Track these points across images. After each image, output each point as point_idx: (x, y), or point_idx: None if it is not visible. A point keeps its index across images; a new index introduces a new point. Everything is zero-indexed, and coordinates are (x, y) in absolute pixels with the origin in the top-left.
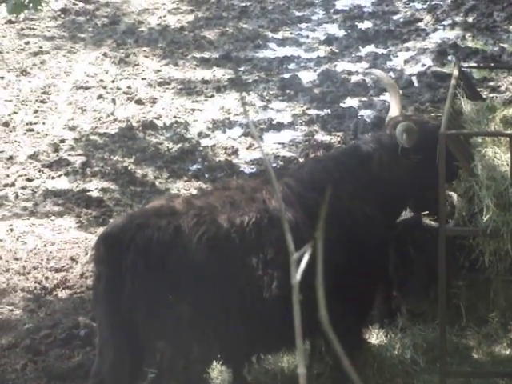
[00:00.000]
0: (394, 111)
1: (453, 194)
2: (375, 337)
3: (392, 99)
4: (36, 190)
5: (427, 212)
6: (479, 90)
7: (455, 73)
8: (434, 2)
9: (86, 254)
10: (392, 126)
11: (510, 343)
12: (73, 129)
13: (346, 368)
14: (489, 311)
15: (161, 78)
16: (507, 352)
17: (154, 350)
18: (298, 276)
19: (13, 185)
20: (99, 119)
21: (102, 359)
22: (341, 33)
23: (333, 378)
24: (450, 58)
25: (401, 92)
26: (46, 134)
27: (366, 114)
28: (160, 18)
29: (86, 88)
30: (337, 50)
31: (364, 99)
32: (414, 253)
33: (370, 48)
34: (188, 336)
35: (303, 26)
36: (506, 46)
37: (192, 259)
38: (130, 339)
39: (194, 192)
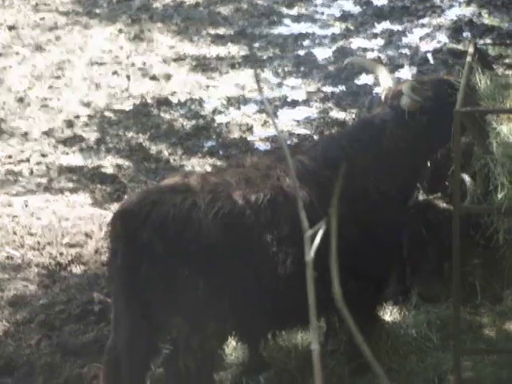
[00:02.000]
0: (387, 83)
1: (464, 175)
2: (389, 314)
3: (380, 75)
4: (50, 166)
5: (440, 193)
6: (495, 66)
7: (471, 50)
8: None
9: (101, 229)
10: (393, 96)
11: None
12: (87, 105)
13: (360, 344)
14: (503, 289)
15: (175, 54)
16: None
17: (170, 326)
18: (311, 253)
19: (27, 160)
20: (114, 95)
21: (116, 335)
22: (356, 9)
23: (347, 355)
24: (465, 34)
25: (416, 69)
26: (61, 110)
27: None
28: None
29: (101, 64)
30: (352, 27)
31: None
32: (426, 235)
33: (386, 25)
34: (204, 312)
35: (318, 2)
36: None
37: (207, 235)
38: (145, 315)
39: (209, 169)
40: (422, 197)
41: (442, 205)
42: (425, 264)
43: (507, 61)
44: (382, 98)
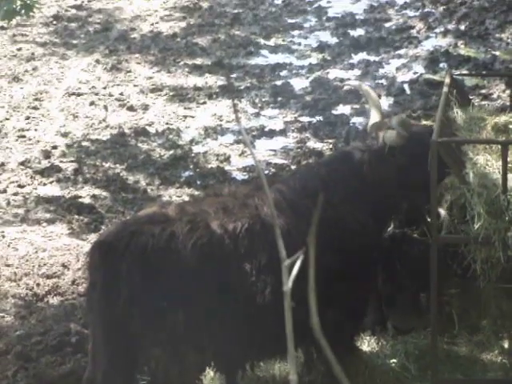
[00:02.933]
0: (375, 117)
1: (440, 209)
2: (367, 344)
3: (372, 106)
4: (27, 197)
5: (415, 226)
6: (471, 97)
7: (447, 80)
8: (426, 10)
9: (78, 260)
10: (376, 129)
11: (502, 351)
12: (65, 135)
13: (338, 375)
14: (480, 319)
15: (153, 85)
16: (498, 360)
17: (149, 357)
18: (289, 283)
19: (4, 191)
20: (91, 126)
21: (94, 367)
22: (333, 40)
23: None
24: (442, 65)
25: (392, 99)
26: (38, 141)
27: (358, 121)
28: (152, 24)
29: (78, 94)
30: (329, 58)
31: (356, 106)
32: (400, 268)
33: (363, 55)
34: (183, 343)
35: (295, 33)
36: (497, 53)
37: (187, 265)
38: (123, 347)
39: (186, 199)
40: (397, 230)
41: (417, 237)
42: (399, 297)
43: (483, 91)
44: (368, 129)
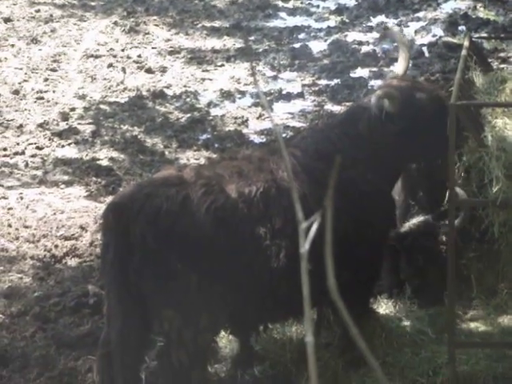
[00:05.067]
0: (399, 70)
1: (459, 189)
2: (384, 307)
3: (400, 58)
4: (46, 159)
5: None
6: (490, 60)
7: (466, 43)
8: None
9: (96, 222)
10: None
11: None
12: (83, 97)
13: (354, 337)
14: (498, 282)
15: (171, 47)
16: None
17: (162, 319)
18: (306, 245)
19: (23, 153)
20: (109, 88)
21: (110, 328)
22: (351, 2)
23: (340, 348)
24: (460, 28)
25: (411, 62)
26: (56, 103)
27: (376, 84)
28: None
29: (96, 56)
30: (347, 20)
31: (374, 69)
32: (424, 263)
33: (381, 18)
34: (196, 305)
35: None
36: None
37: (200, 229)
38: (137, 308)
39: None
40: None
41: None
42: (425, 288)
43: (502, 54)
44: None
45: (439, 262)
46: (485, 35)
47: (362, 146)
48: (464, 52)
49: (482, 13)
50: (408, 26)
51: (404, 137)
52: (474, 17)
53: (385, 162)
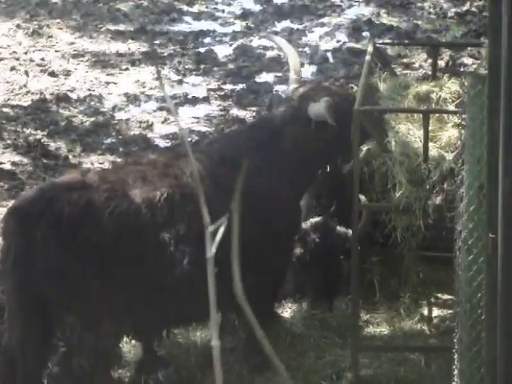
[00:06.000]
0: (294, 79)
1: (361, 196)
2: (288, 311)
3: (290, 67)
4: None
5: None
6: (393, 66)
7: (370, 49)
8: None
9: None
10: (301, 98)
11: (421, 318)
12: None
13: (260, 340)
14: (401, 286)
15: (75, 51)
16: (418, 327)
17: (64, 324)
18: (213, 249)
19: None
20: (12, 91)
21: (11, 334)
22: (256, 7)
23: (245, 352)
24: (364, 34)
25: (316, 68)
26: None
27: (281, 89)
28: None
29: None
30: (252, 25)
31: (279, 74)
32: (310, 261)
33: (286, 23)
34: (98, 311)
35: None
36: (419, 22)
37: (103, 234)
38: (39, 313)
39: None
40: (316, 217)
41: (338, 226)
42: (311, 288)
43: (405, 60)
44: (289, 94)
45: (325, 263)
46: (388, 41)
47: (270, 152)
48: (368, 58)
49: (385, 19)
50: (312, 32)
51: (329, 144)
52: (377, 23)
53: (298, 169)
